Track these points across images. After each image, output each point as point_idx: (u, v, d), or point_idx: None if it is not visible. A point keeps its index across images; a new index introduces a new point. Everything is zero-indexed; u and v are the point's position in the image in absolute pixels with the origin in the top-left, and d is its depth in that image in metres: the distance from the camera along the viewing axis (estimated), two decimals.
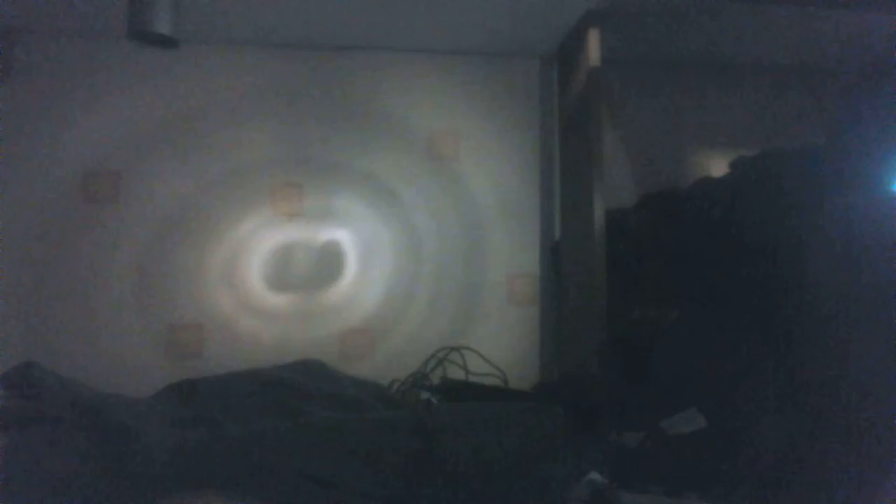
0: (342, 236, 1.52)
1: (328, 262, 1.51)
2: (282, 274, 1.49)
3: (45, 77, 1.43)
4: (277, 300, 1.48)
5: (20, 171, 1.41)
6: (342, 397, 1.18)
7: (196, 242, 1.46)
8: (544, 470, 1.02)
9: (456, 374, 1.44)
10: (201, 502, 0.93)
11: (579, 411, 1.19)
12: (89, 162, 1.44)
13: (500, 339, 1.52)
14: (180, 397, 1.13)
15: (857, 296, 1.04)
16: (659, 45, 1.52)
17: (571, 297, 1.43)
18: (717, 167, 1.55)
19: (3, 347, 1.29)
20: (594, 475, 1.03)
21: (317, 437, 0.99)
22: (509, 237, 1.56)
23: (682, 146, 1.65)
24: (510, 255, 1.56)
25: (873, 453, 0.96)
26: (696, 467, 1.06)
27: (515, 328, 1.54)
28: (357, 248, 1.52)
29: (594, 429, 1.16)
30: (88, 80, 1.45)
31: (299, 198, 1.51)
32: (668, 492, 1.03)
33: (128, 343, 1.41)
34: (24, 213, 1.40)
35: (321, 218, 1.51)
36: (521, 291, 1.55)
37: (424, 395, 1.32)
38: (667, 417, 1.13)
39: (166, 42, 1.11)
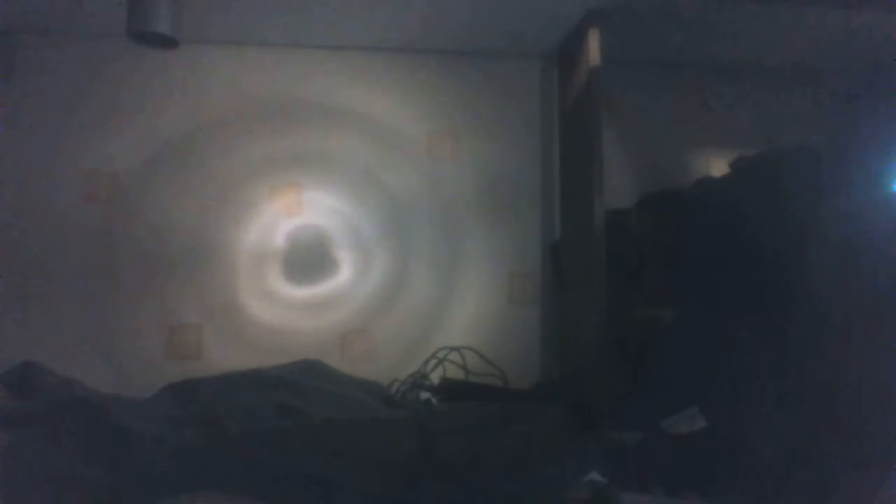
0: (342, 236, 1.52)
1: (328, 262, 1.51)
2: (282, 274, 1.49)
3: (45, 77, 1.44)
4: (277, 300, 1.48)
5: (20, 171, 1.41)
6: (342, 397, 1.18)
7: (196, 242, 1.46)
8: (544, 470, 1.02)
9: (456, 374, 1.44)
10: (201, 502, 0.93)
11: (579, 411, 1.19)
12: (89, 162, 1.44)
13: (500, 339, 1.51)
14: (180, 397, 1.13)
15: (858, 296, 1.04)
16: (659, 45, 1.52)
17: (571, 297, 1.43)
18: (717, 167, 1.55)
19: (3, 347, 1.29)
20: (594, 475, 1.03)
21: (317, 437, 0.99)
22: (509, 237, 1.56)
23: (682, 146, 1.65)
24: (510, 255, 1.56)
25: (873, 453, 0.96)
26: (696, 467, 1.06)
27: (515, 328, 1.54)
28: (357, 247, 1.52)
29: (594, 429, 1.16)
30: (88, 80, 1.45)
31: (299, 197, 1.51)
32: (668, 492, 1.03)
33: (128, 343, 1.41)
34: (24, 213, 1.40)
35: (321, 218, 1.51)
36: (521, 291, 1.55)
37: (424, 395, 1.32)
38: (667, 417, 1.13)
39: (166, 42, 1.11)
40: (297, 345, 1.45)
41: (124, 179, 1.45)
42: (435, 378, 1.41)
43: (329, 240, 1.51)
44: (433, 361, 1.45)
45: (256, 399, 1.11)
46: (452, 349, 1.47)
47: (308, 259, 1.50)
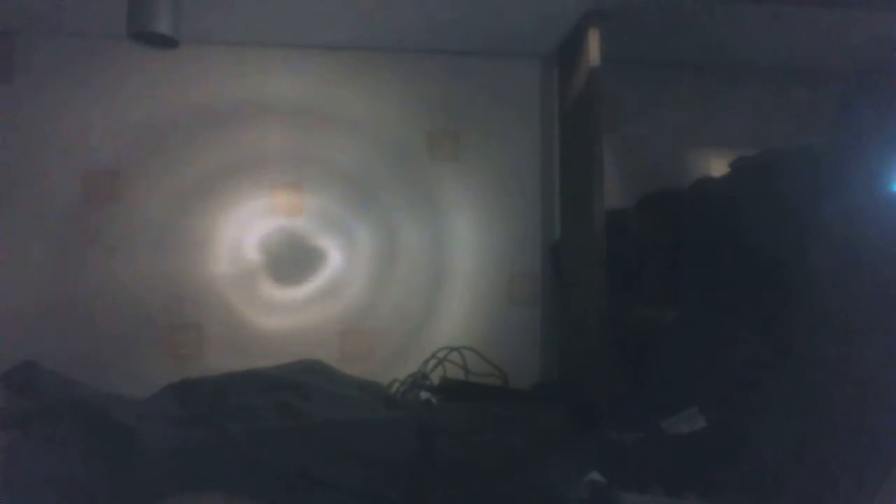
0: (342, 236, 1.52)
1: (328, 262, 1.51)
2: (282, 274, 1.49)
3: (45, 77, 1.43)
4: (277, 300, 1.48)
5: (20, 171, 1.41)
6: (342, 397, 1.18)
7: (196, 242, 1.46)
8: (544, 470, 1.02)
9: (456, 374, 1.44)
10: (201, 502, 0.93)
11: (579, 411, 1.19)
12: (89, 162, 1.44)
13: (500, 339, 1.51)
14: (180, 397, 1.13)
15: (858, 296, 1.04)
16: (659, 45, 1.52)
17: (571, 297, 1.43)
18: (717, 167, 1.55)
19: (3, 347, 1.29)
20: (594, 475, 1.03)
21: (317, 437, 0.99)
22: (509, 237, 1.56)
23: (681, 146, 1.65)
24: (510, 254, 1.56)
25: (874, 453, 0.96)
26: (696, 467, 1.06)
27: (515, 328, 1.54)
28: (357, 247, 1.52)
29: (594, 429, 1.16)
30: (88, 80, 1.45)
31: (299, 198, 1.51)
32: (668, 492, 1.03)
33: (128, 343, 1.41)
34: (24, 213, 1.40)
35: (321, 218, 1.51)
36: (521, 291, 1.55)
37: (424, 395, 1.32)
38: (667, 417, 1.13)
39: (166, 42, 1.11)
40: (296, 344, 1.45)
41: (124, 179, 1.45)
42: (435, 378, 1.41)
43: (329, 240, 1.51)
44: (433, 361, 1.45)
45: (256, 399, 1.11)
46: (452, 349, 1.47)
47: (308, 259, 1.50)
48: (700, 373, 1.15)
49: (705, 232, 1.31)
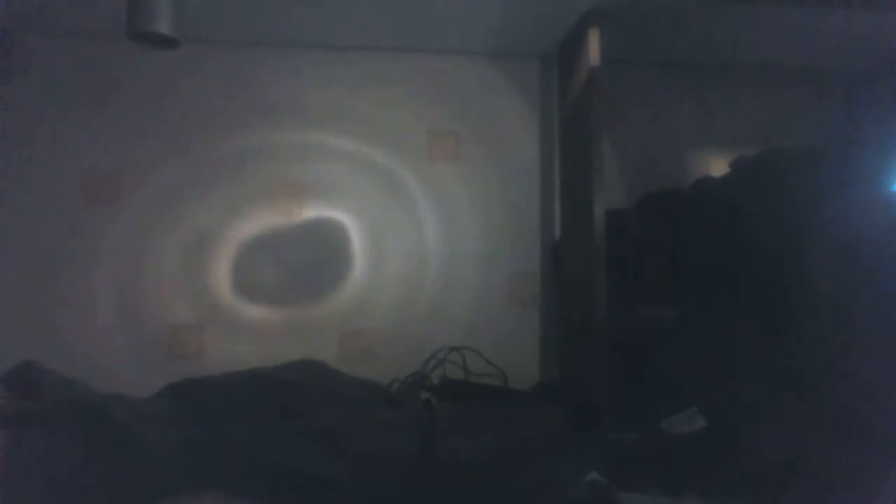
0: (342, 236, 1.52)
1: (328, 263, 1.51)
2: (282, 274, 1.49)
3: (45, 77, 1.44)
4: (278, 300, 1.48)
5: (20, 171, 1.41)
6: (342, 397, 1.18)
7: (196, 242, 1.46)
8: (544, 470, 1.02)
9: (456, 374, 1.44)
10: (201, 502, 0.93)
11: (579, 411, 1.19)
12: (89, 162, 1.44)
13: (500, 339, 1.51)
14: (180, 397, 1.13)
15: (858, 296, 1.04)
16: (659, 45, 1.52)
17: (571, 297, 1.43)
18: (717, 167, 1.55)
19: (3, 347, 1.29)
20: (594, 475, 1.03)
21: (316, 437, 0.99)
22: (509, 237, 1.56)
23: (681, 146, 1.65)
24: (510, 255, 1.56)
25: (874, 454, 0.96)
26: (696, 467, 1.06)
27: (515, 328, 1.54)
28: (357, 248, 1.52)
29: (594, 429, 1.16)
30: (88, 80, 1.45)
31: (299, 198, 1.51)
32: (668, 492, 1.03)
33: (128, 343, 1.41)
34: (24, 213, 1.40)
35: (321, 218, 1.51)
36: (521, 291, 1.55)
37: (424, 395, 1.32)
38: (667, 417, 1.13)
39: (166, 42, 1.11)
40: (296, 345, 1.45)
41: (124, 179, 1.45)
42: (435, 378, 1.41)
43: (329, 240, 1.51)
44: (433, 361, 1.45)
45: (256, 399, 1.11)
46: (452, 349, 1.47)
47: (308, 259, 1.50)
48: (700, 373, 1.15)
49: (705, 232, 1.31)
